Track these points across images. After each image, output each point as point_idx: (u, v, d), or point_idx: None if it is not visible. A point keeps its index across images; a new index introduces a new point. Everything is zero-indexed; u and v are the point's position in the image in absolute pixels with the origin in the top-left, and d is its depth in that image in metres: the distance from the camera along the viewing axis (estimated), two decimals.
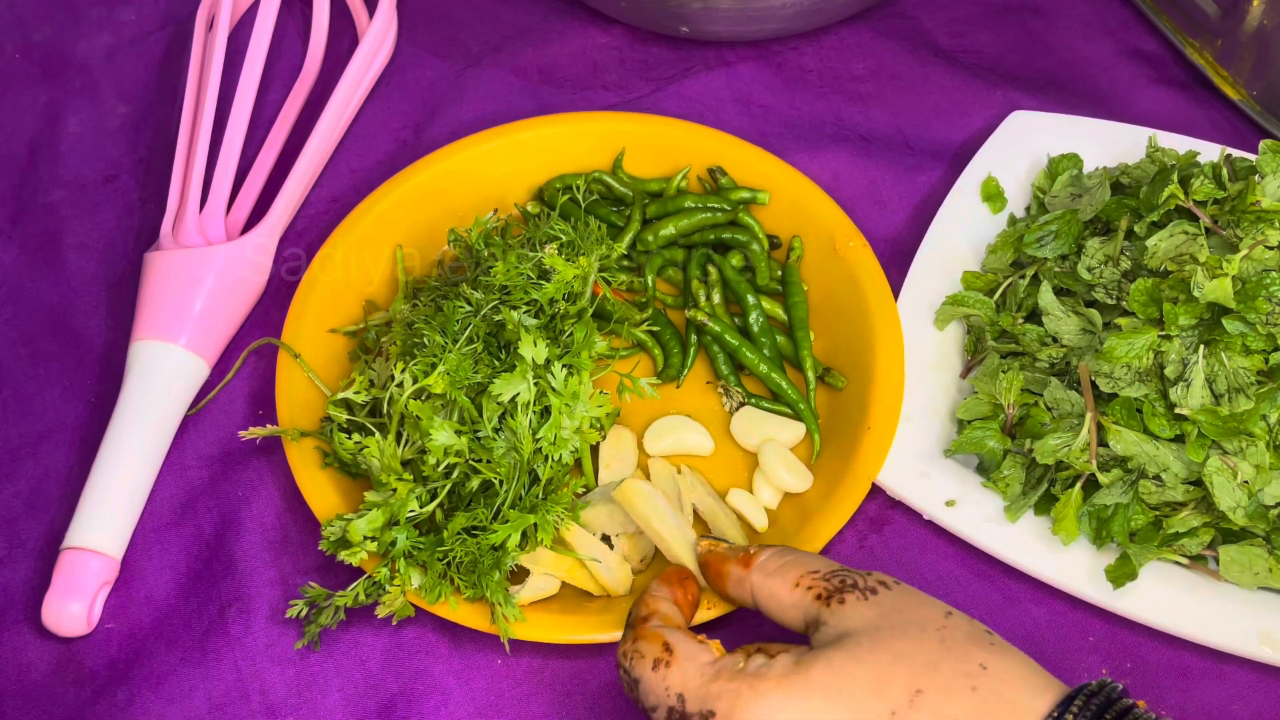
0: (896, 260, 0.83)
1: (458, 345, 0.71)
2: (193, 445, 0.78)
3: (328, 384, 0.77)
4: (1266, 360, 0.69)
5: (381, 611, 0.69)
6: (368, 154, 0.90)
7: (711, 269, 0.81)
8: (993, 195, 0.82)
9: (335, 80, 0.88)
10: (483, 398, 0.69)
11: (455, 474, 0.69)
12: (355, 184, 0.89)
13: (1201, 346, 0.69)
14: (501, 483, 0.69)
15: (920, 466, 0.73)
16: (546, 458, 0.70)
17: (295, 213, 0.86)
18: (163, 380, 0.76)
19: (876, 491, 0.74)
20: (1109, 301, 0.74)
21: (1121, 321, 0.71)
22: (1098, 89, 0.92)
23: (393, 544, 0.68)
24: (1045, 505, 0.71)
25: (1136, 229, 0.74)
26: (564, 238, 0.75)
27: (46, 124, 0.92)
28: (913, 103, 0.91)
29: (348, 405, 0.74)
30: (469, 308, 0.73)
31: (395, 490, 0.69)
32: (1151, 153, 0.80)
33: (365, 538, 0.68)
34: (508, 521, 0.68)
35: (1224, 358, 0.68)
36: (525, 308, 0.73)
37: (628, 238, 0.82)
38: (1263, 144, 0.74)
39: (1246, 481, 0.67)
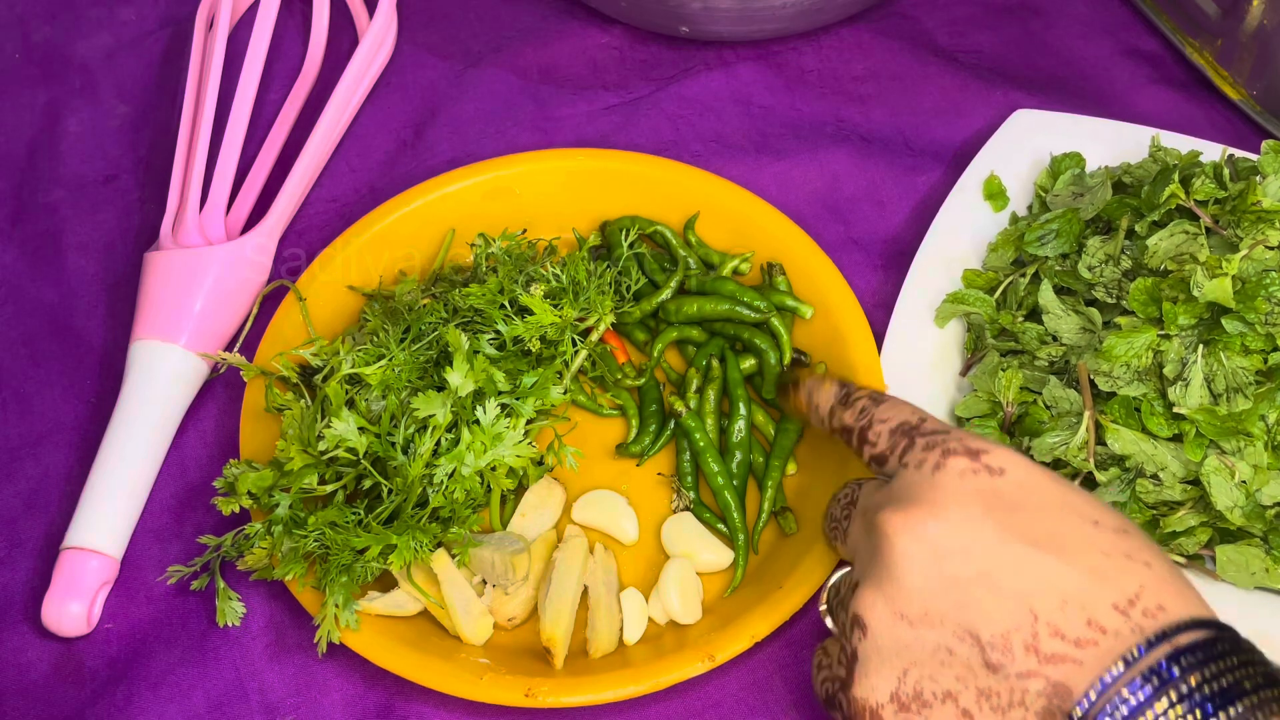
0: (896, 261, 0.83)
1: (412, 346, 0.71)
2: (192, 445, 0.78)
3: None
4: (1265, 360, 0.69)
5: (241, 565, 0.69)
6: (368, 154, 0.90)
7: (716, 364, 0.78)
8: (995, 193, 0.82)
9: (335, 80, 0.88)
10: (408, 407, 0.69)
11: (356, 469, 0.69)
12: (355, 184, 0.89)
13: (1200, 346, 0.69)
14: (392, 493, 0.69)
15: None
16: (439, 486, 0.68)
17: (295, 213, 0.86)
18: (162, 380, 0.76)
19: None
20: (1109, 300, 0.74)
21: (1121, 320, 0.71)
22: (1098, 89, 0.92)
23: (275, 507, 0.68)
24: None
25: (1137, 228, 0.74)
26: (553, 282, 0.74)
27: (46, 124, 0.92)
28: (913, 103, 0.91)
29: (306, 369, 0.74)
30: (444, 315, 0.72)
31: (292, 458, 0.69)
32: (1154, 152, 0.80)
33: (248, 491, 0.69)
34: (370, 531, 0.67)
35: (1223, 357, 0.68)
36: (490, 336, 0.72)
37: (655, 301, 0.79)
38: (1265, 144, 0.74)
39: (1244, 481, 0.67)
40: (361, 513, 0.69)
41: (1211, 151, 0.81)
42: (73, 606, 0.70)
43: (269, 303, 0.82)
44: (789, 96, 0.92)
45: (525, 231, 0.81)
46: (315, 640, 0.67)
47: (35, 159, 0.91)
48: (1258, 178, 0.73)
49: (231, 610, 0.70)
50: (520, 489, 0.74)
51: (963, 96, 0.91)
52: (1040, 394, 0.72)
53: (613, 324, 0.78)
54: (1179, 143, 0.82)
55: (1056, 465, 0.71)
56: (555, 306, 0.74)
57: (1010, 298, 0.77)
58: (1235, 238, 0.71)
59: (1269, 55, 0.86)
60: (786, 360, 0.77)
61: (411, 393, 0.70)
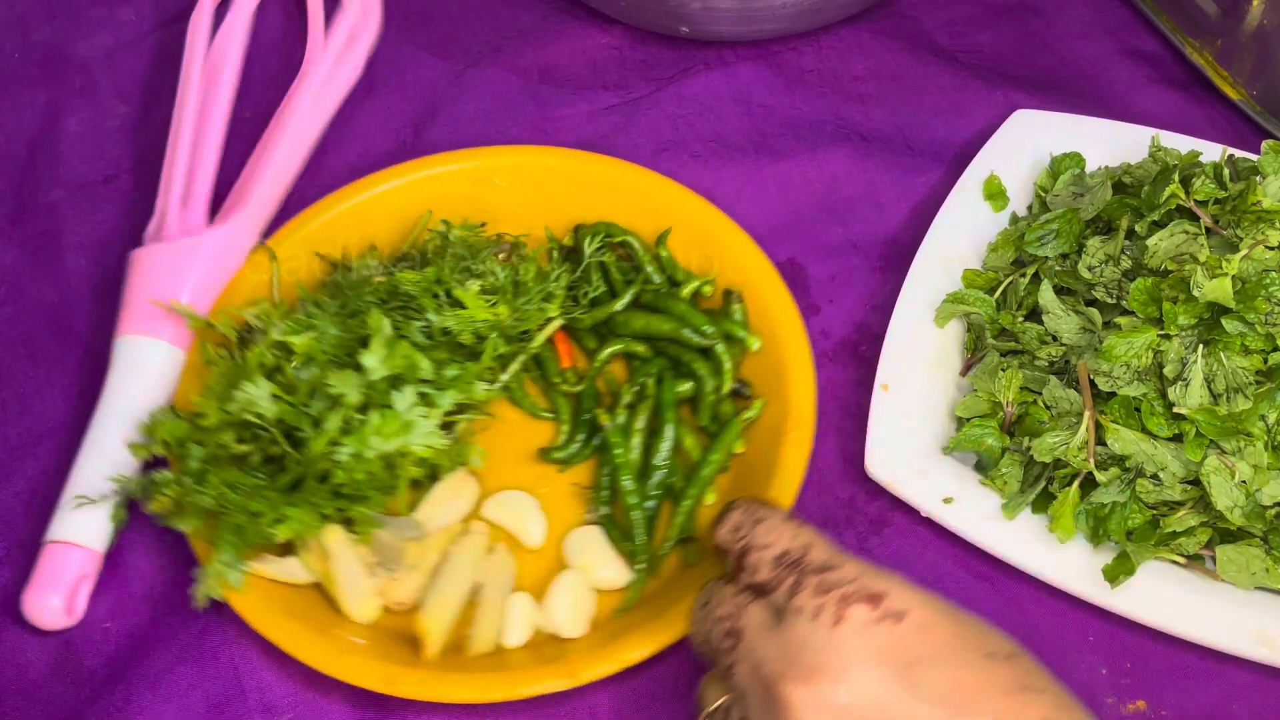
0: (895, 262, 0.83)
1: (347, 321, 0.71)
2: None
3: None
4: (1265, 360, 0.69)
5: (145, 507, 0.70)
6: (368, 154, 0.90)
7: (651, 384, 0.77)
8: (995, 193, 0.82)
9: (330, 78, 0.88)
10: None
11: (269, 435, 0.69)
12: None
13: (1200, 346, 0.69)
14: (298, 464, 0.69)
15: (919, 464, 0.73)
16: (343, 464, 0.68)
17: (278, 203, 0.85)
18: (146, 375, 0.76)
19: (879, 492, 0.74)
20: (1109, 300, 0.73)
21: (1121, 321, 0.71)
22: (1098, 89, 0.92)
23: (186, 457, 0.69)
24: (1043, 503, 0.71)
25: (1137, 228, 0.74)
26: (489, 280, 0.74)
27: (46, 124, 0.92)
28: (913, 103, 0.91)
29: (249, 329, 0.74)
30: (382, 296, 0.73)
31: (208, 414, 0.70)
32: (1154, 152, 0.80)
33: (164, 440, 0.70)
34: (265, 497, 0.68)
35: (1223, 357, 0.68)
36: (421, 325, 0.72)
37: (608, 310, 0.78)
38: (1265, 144, 0.74)
39: (1244, 481, 0.67)
40: (263, 478, 0.69)
41: (1211, 151, 0.81)
42: (52, 600, 0.71)
43: None
44: (789, 96, 0.91)
45: (485, 225, 0.81)
46: (193, 593, 0.68)
47: (35, 159, 0.91)
48: (1258, 178, 0.73)
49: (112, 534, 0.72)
50: (435, 478, 0.74)
51: (963, 96, 0.91)
52: (1040, 394, 0.72)
53: (565, 327, 0.78)
54: (1179, 143, 0.82)
55: (1057, 465, 0.71)
56: (492, 304, 0.74)
57: (1010, 298, 0.77)
58: (1235, 238, 0.71)
59: (1269, 55, 0.86)
60: (725, 389, 0.76)
61: (336, 367, 0.70)
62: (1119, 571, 0.68)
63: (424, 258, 0.77)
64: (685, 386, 0.77)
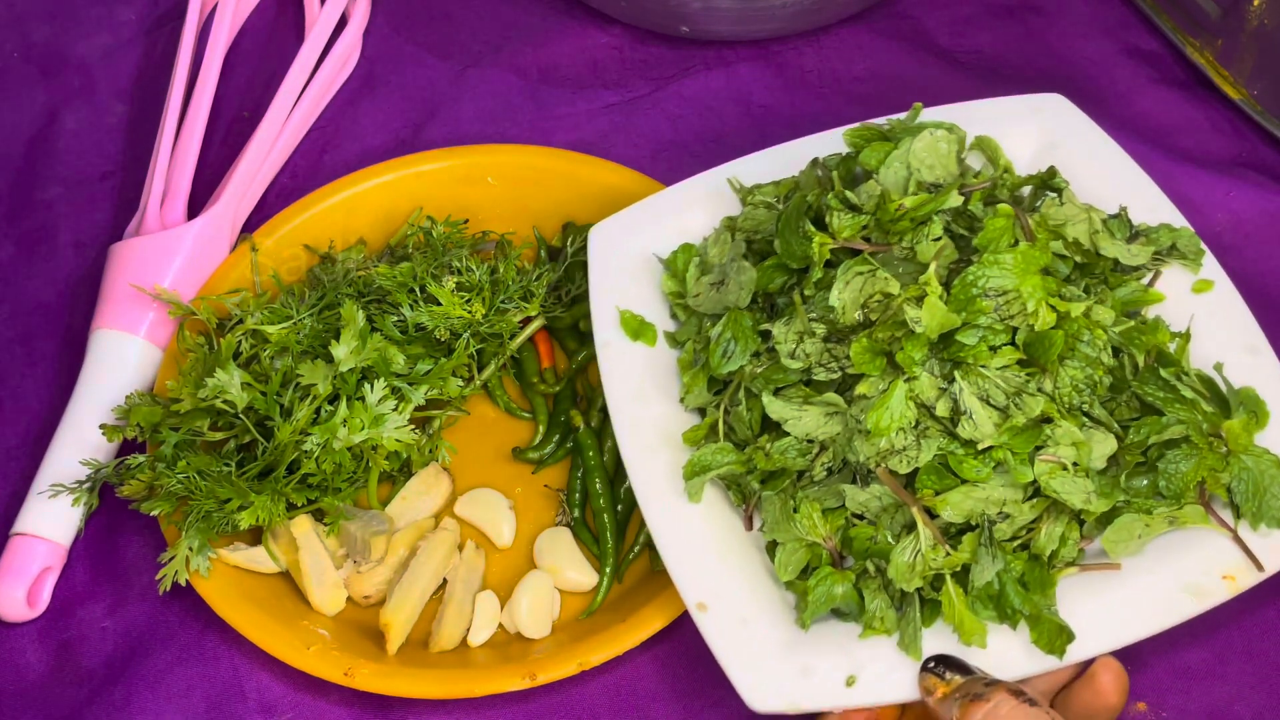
0: None
1: (323, 314, 0.72)
2: None
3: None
4: (1015, 344, 0.63)
5: (119, 491, 0.71)
6: (368, 154, 0.90)
7: None
8: (639, 331, 0.72)
9: (318, 75, 0.88)
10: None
11: (242, 422, 0.70)
12: None
13: (954, 370, 0.63)
14: (265, 451, 0.69)
15: (794, 664, 0.63)
16: (311, 454, 0.69)
17: (256, 198, 0.85)
18: (119, 369, 0.76)
19: None
20: (834, 377, 0.65)
21: (862, 389, 0.63)
22: (1098, 89, 0.92)
23: (161, 442, 0.70)
24: (933, 615, 0.63)
25: (806, 293, 0.66)
26: (463, 276, 0.74)
27: (44, 122, 0.92)
28: (912, 103, 0.91)
29: (229, 318, 0.75)
30: (360, 289, 0.73)
31: (183, 399, 0.70)
32: (744, 197, 0.74)
33: (138, 423, 0.70)
34: (232, 484, 0.68)
35: (982, 370, 0.62)
36: (396, 319, 0.72)
37: (585, 309, 0.76)
38: (847, 135, 0.72)
39: (1077, 464, 0.63)
40: (233, 465, 0.69)
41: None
42: (15, 591, 0.71)
43: None
44: (789, 96, 0.91)
45: (467, 222, 0.81)
46: (158, 578, 0.68)
47: (32, 157, 0.91)
48: (874, 178, 0.69)
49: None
50: (409, 472, 0.74)
51: (963, 96, 0.91)
52: (843, 507, 0.65)
53: (547, 327, 0.78)
54: (746, 170, 0.75)
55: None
56: (467, 301, 0.74)
57: (739, 429, 0.68)
58: (904, 250, 0.65)
59: (1269, 55, 0.86)
60: None
61: (309, 358, 0.70)
62: (1056, 639, 0.62)
63: (402, 253, 0.78)
64: None
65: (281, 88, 0.87)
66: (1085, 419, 0.64)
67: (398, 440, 0.70)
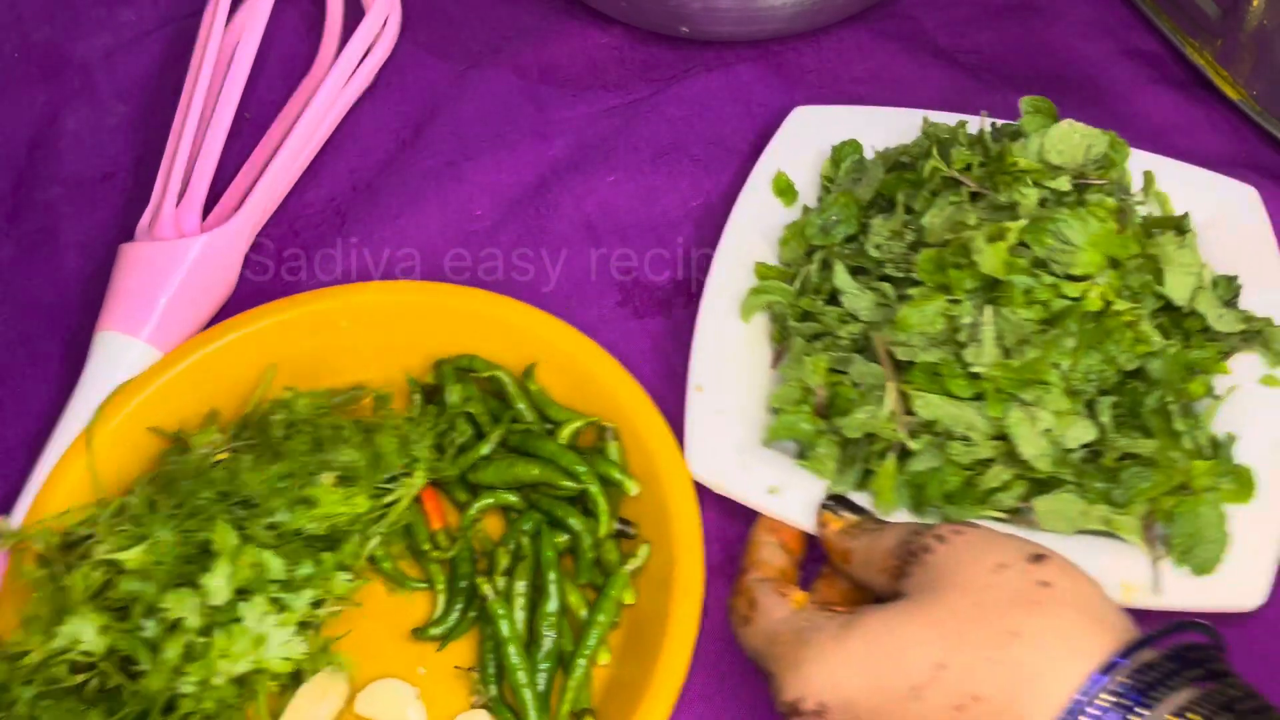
0: None
1: (185, 523, 0.63)
2: None
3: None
4: (1047, 308, 0.69)
5: None
6: (368, 155, 0.90)
7: (526, 542, 0.70)
8: (784, 190, 0.82)
9: (341, 92, 0.88)
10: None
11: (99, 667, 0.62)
12: (354, 184, 0.88)
13: (987, 307, 0.70)
14: (136, 696, 0.61)
15: (740, 459, 0.71)
16: (190, 694, 0.61)
17: (274, 209, 0.85)
18: (119, 373, 0.76)
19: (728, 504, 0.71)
20: (900, 275, 0.74)
21: (913, 291, 0.71)
22: (1098, 89, 0.92)
23: (13, 703, 0.61)
24: (866, 481, 0.70)
25: (914, 205, 0.75)
26: (344, 466, 0.66)
27: (45, 123, 0.92)
28: (912, 103, 0.91)
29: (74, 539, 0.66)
30: (223, 490, 0.65)
31: (30, 651, 0.62)
32: (926, 130, 0.81)
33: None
34: None
35: (1006, 314, 0.69)
36: (266, 521, 0.64)
37: (472, 458, 0.72)
38: (1024, 102, 0.77)
39: (1049, 429, 0.68)
40: (100, 715, 0.61)
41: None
42: None
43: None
44: (789, 96, 0.91)
45: (328, 391, 0.73)
46: None
47: (33, 157, 0.91)
48: (1022, 140, 0.75)
49: None
50: (298, 676, 0.66)
51: (963, 97, 0.91)
52: (848, 373, 0.72)
53: (433, 481, 0.72)
54: (951, 119, 0.83)
55: (871, 440, 0.70)
56: (349, 498, 0.66)
57: (807, 286, 0.77)
58: (999, 200, 0.73)
59: (1269, 55, 0.86)
60: (603, 533, 0.70)
61: (172, 584, 0.62)
62: None
63: (267, 435, 0.69)
64: (564, 538, 0.71)
65: (311, 104, 0.85)
66: (1081, 406, 0.68)
67: (286, 659, 0.62)
